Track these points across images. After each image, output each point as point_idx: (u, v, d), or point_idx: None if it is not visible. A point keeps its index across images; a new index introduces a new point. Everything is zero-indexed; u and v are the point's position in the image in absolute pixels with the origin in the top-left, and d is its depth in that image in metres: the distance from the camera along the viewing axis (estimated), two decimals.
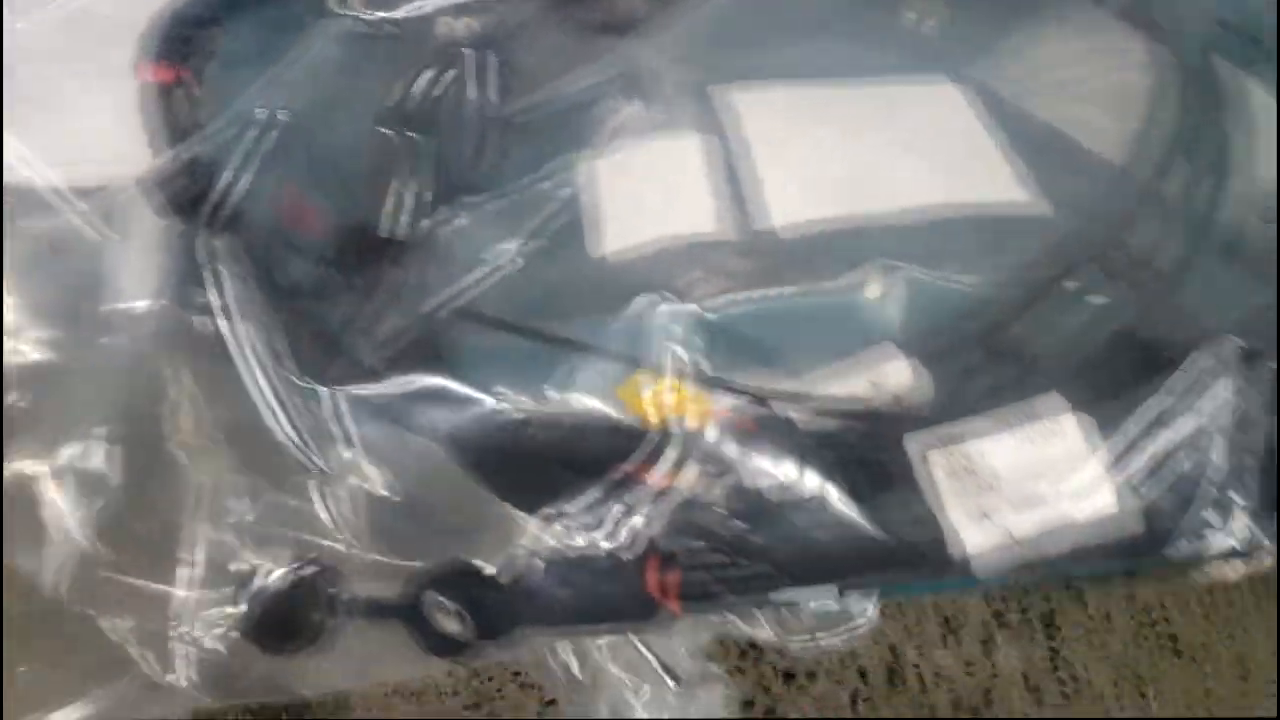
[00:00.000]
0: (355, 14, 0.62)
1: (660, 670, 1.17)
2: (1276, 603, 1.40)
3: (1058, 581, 0.46)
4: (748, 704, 1.47)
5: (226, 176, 0.54)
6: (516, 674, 1.51)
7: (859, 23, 0.65)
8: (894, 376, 0.49)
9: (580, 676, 1.30)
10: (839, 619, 1.26)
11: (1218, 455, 0.44)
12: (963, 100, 0.60)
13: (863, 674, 1.47)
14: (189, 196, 0.53)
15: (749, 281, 0.55)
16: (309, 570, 0.50)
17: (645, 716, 1.14)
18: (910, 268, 0.53)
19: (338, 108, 0.59)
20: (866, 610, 1.27)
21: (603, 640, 1.26)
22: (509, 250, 0.53)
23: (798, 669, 1.48)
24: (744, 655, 1.47)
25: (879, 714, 1.44)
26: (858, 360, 0.50)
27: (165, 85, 0.56)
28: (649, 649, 1.18)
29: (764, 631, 1.34)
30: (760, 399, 0.49)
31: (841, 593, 1.20)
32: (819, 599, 1.21)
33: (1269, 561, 0.44)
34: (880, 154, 0.58)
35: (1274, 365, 0.45)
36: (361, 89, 0.61)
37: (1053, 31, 0.63)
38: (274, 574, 0.50)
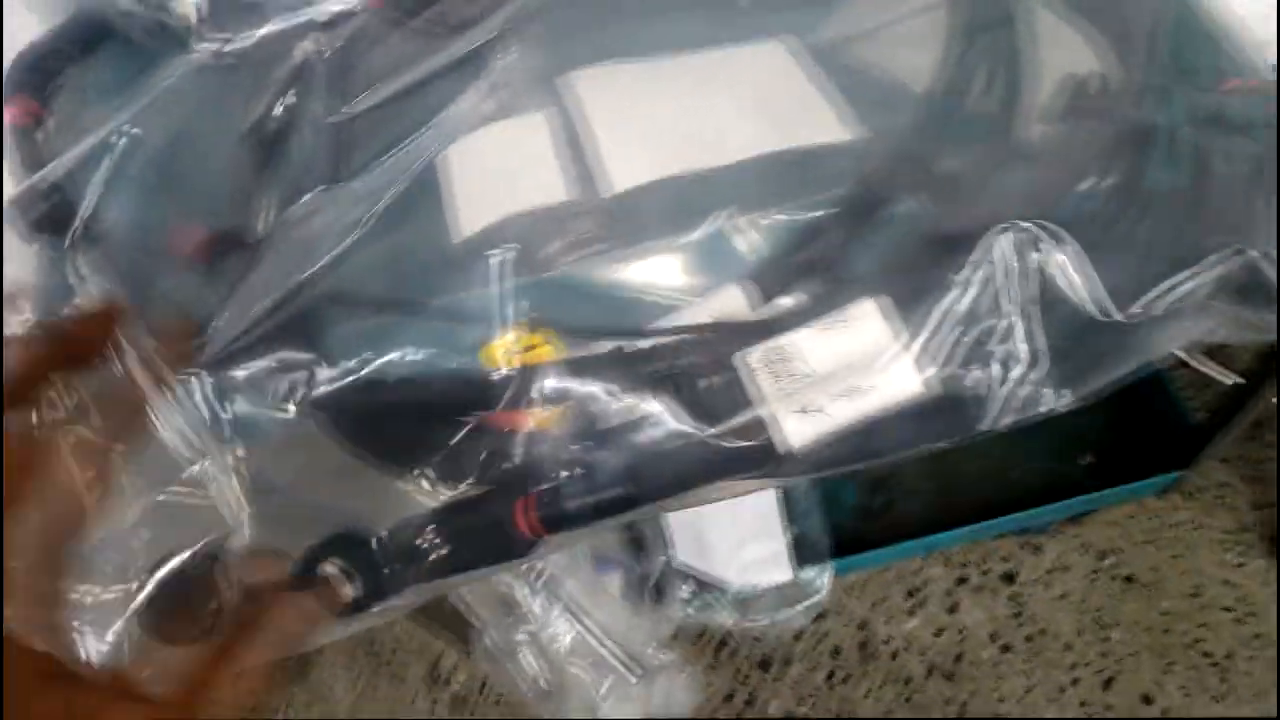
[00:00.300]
0: (212, 46, 0.66)
1: (621, 665, 1.19)
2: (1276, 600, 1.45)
3: (883, 466, 0.49)
4: (728, 698, 1.50)
5: (88, 199, 0.57)
6: (497, 701, 1.52)
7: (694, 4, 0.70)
8: (731, 306, 0.53)
9: (548, 686, 1.32)
10: (795, 595, 1.29)
11: (1016, 331, 0.48)
12: (786, 56, 0.65)
13: (836, 652, 1.50)
14: (52, 220, 0.56)
15: (601, 243, 0.59)
16: (200, 559, 0.52)
17: (611, 716, 1.16)
18: (745, 212, 0.57)
19: (199, 132, 0.63)
20: (821, 583, 1.30)
21: (565, 643, 1.28)
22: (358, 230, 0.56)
23: (773, 657, 1.51)
24: (719, 650, 1.50)
25: (856, 690, 1.47)
26: (700, 301, 0.54)
27: (26, 118, 0.59)
28: (608, 645, 1.20)
29: (726, 617, 1.36)
30: (604, 335, 0.52)
31: (798, 566, 1.23)
32: (774, 576, 1.24)
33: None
34: (712, 115, 0.63)
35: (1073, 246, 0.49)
36: (222, 113, 0.64)
37: None
38: (166, 567, 0.52)
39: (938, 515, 1.35)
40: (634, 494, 0.48)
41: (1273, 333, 0.50)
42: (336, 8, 0.68)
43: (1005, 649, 1.50)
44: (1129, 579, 1.51)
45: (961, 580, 1.52)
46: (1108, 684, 1.45)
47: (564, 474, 0.49)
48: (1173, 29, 0.58)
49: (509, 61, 0.67)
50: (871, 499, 1.37)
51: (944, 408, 0.48)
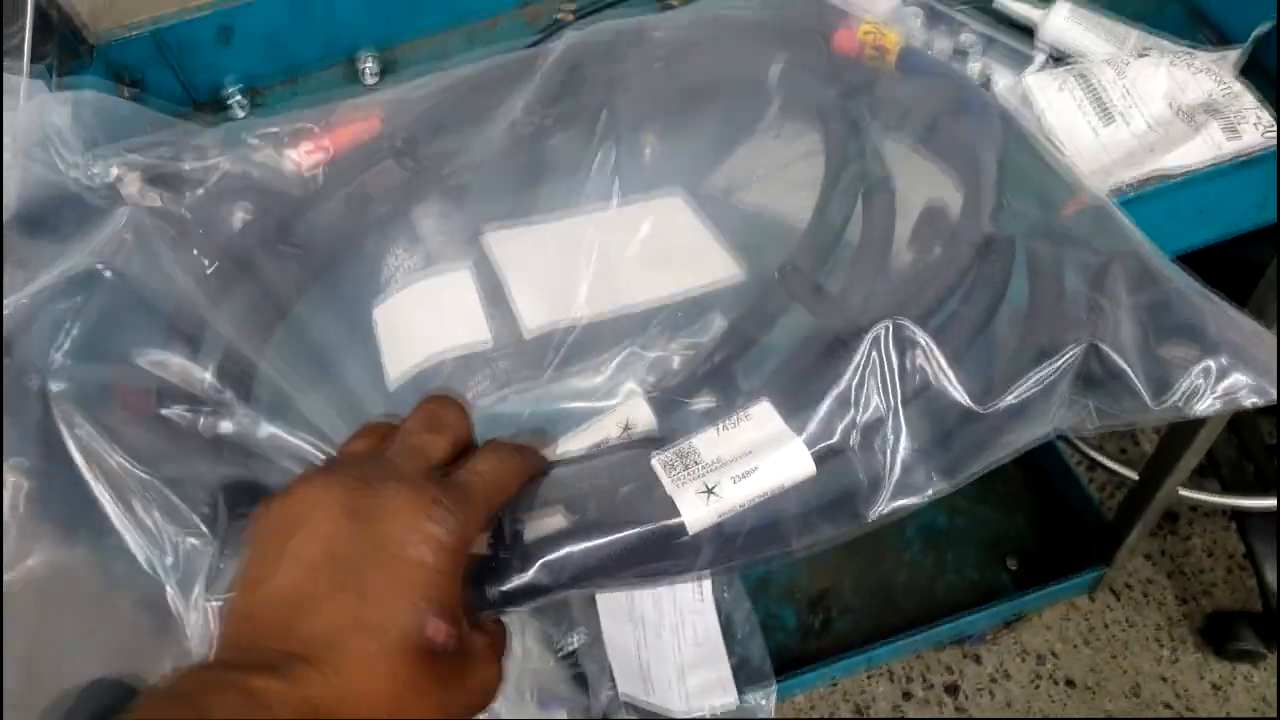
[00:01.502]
0: (149, 204, 0.72)
1: None
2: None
3: (784, 555, 0.54)
4: None
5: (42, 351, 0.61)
6: None
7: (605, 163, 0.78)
8: (636, 415, 0.59)
9: None
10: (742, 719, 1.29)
11: (897, 424, 0.54)
12: (683, 206, 0.72)
13: None
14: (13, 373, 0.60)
15: (520, 380, 0.65)
16: None
17: None
18: (646, 348, 0.64)
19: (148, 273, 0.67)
20: (767, 705, 1.31)
21: None
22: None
23: None
24: None
25: None
26: (609, 414, 0.60)
27: None
28: None
29: None
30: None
31: (742, 690, 1.25)
32: (719, 701, 1.25)
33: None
34: (616, 263, 0.69)
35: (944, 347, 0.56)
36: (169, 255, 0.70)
37: (748, 141, 0.76)
38: None
39: (875, 629, 1.39)
40: (547, 583, 0.52)
41: (1128, 417, 0.56)
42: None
43: None
44: (1070, 682, 1.55)
45: (907, 695, 1.55)
46: None
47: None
48: (1011, 163, 0.66)
49: (433, 222, 0.75)
50: (810, 617, 1.41)
51: (834, 495, 0.54)
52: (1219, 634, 1.52)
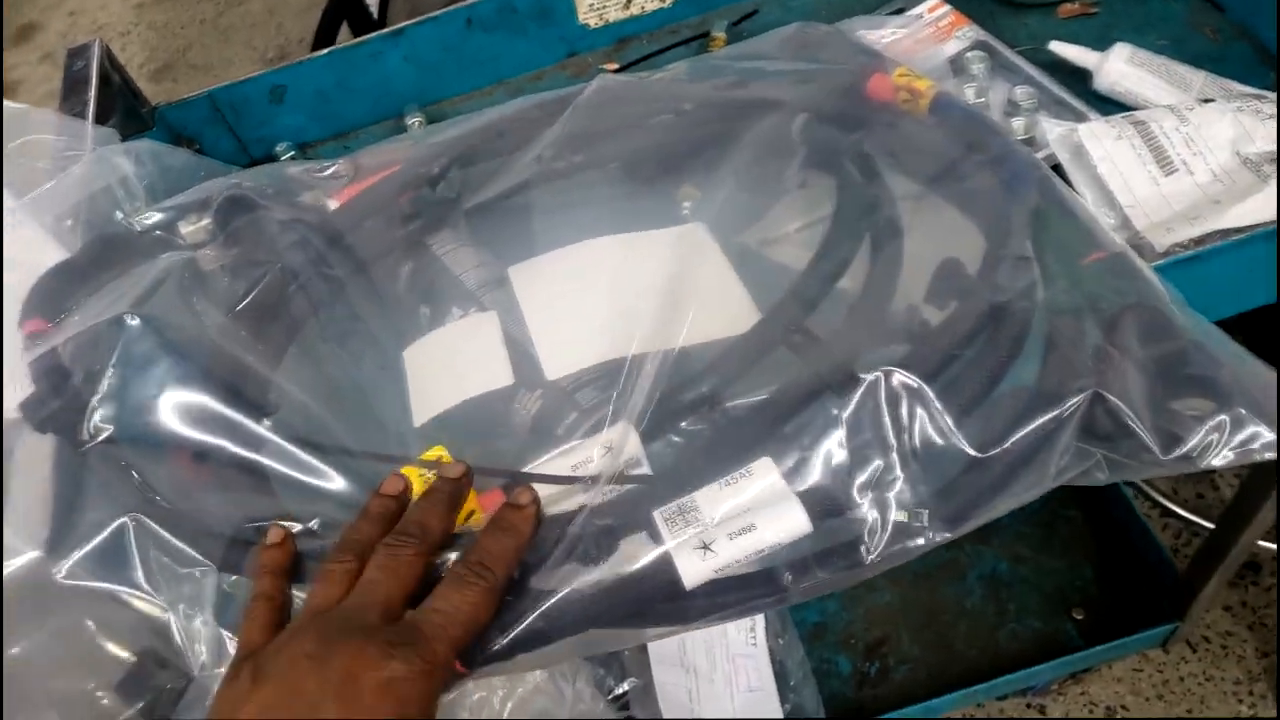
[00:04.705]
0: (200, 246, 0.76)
1: None
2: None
3: (781, 601, 0.54)
4: None
5: (91, 391, 0.64)
6: None
7: (638, 212, 0.80)
8: (620, 438, 0.59)
9: None
10: None
11: (896, 474, 0.54)
12: (706, 236, 0.73)
13: None
14: (63, 415, 0.64)
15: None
16: None
17: None
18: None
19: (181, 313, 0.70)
20: None
21: None
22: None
23: None
24: None
25: None
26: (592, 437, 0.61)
27: (39, 334, 0.68)
28: None
29: None
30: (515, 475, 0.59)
31: None
32: None
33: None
34: (639, 301, 0.69)
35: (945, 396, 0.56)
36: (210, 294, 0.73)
37: (773, 192, 0.76)
38: None
39: (933, 679, 1.36)
40: (546, 630, 0.53)
41: (1139, 469, 0.55)
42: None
43: None
44: None
45: None
46: None
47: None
48: (1038, 216, 0.65)
49: (461, 259, 0.77)
50: (866, 665, 1.38)
51: (832, 543, 0.53)
52: None
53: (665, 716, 1.23)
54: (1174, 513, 1.50)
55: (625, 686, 1.23)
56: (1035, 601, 1.40)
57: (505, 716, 1.00)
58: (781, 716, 1.26)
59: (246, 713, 0.48)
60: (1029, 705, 1.51)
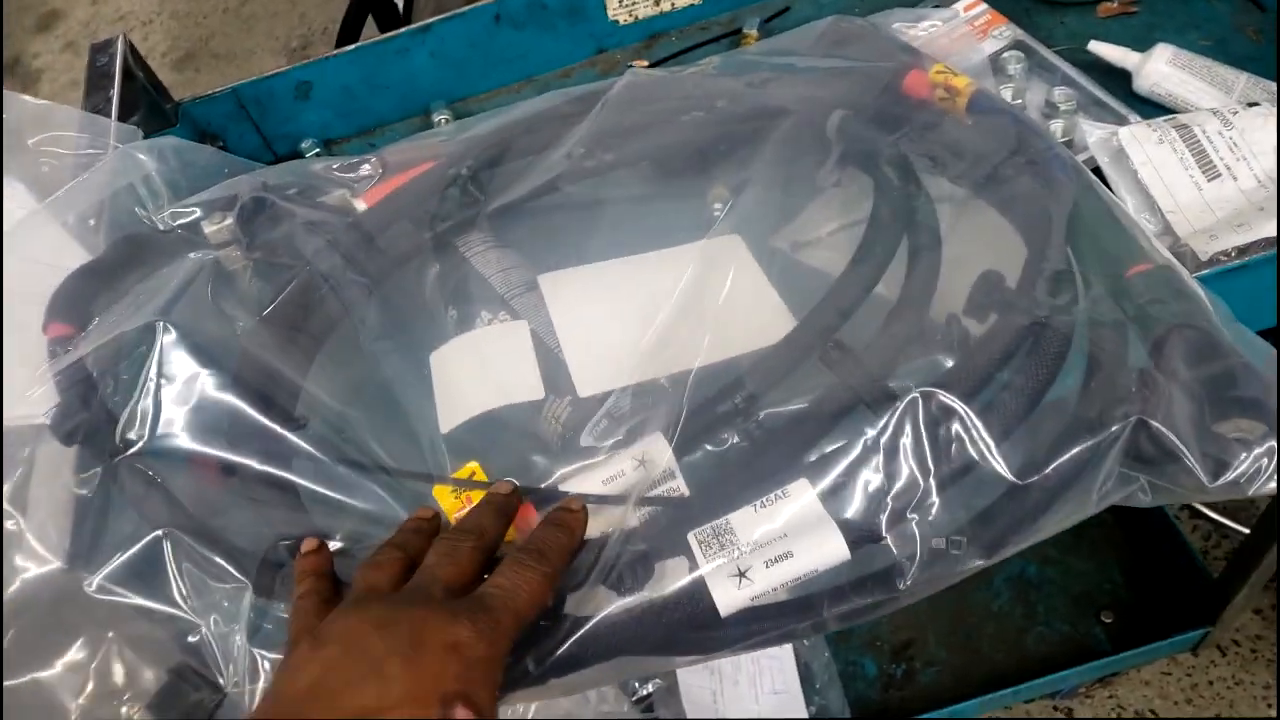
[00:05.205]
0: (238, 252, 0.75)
1: None
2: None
3: (817, 629, 0.53)
4: None
5: (120, 402, 0.63)
6: None
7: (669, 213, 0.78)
8: (652, 451, 0.58)
9: None
10: None
11: (933, 499, 0.52)
12: (741, 247, 0.72)
13: None
14: (91, 427, 0.63)
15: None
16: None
17: None
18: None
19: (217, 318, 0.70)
20: None
21: None
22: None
23: None
24: None
25: None
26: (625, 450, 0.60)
27: (63, 339, 0.67)
28: None
29: None
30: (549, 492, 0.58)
31: None
32: None
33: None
34: (673, 316, 0.67)
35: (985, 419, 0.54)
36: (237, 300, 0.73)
37: (808, 190, 0.75)
38: None
39: (959, 681, 1.34)
40: (582, 655, 0.52)
41: (1186, 495, 0.53)
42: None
43: None
44: None
45: None
46: None
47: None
48: (1080, 222, 0.63)
49: (490, 263, 0.76)
50: (892, 667, 1.37)
51: (869, 570, 0.52)
52: None
53: (690, 718, 1.22)
54: (1204, 514, 1.48)
55: (650, 688, 1.22)
56: (1063, 604, 1.38)
57: (530, 717, 0.99)
58: (807, 719, 1.25)
59: (309, 672, 0.47)
60: (1056, 708, 1.49)
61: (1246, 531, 1.25)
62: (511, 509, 0.58)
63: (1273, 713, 1.47)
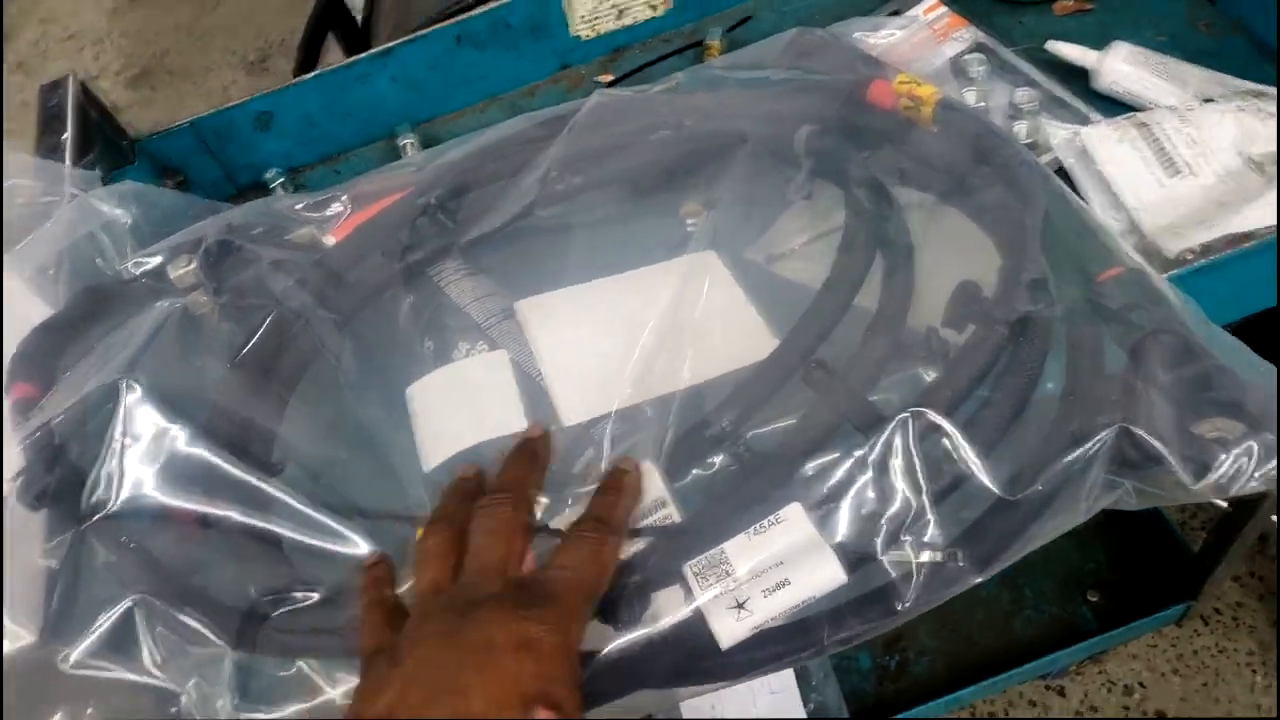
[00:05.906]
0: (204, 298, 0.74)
1: None
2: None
3: (818, 654, 0.53)
4: None
5: (87, 464, 0.61)
6: None
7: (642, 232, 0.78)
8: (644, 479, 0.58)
9: None
10: None
11: (926, 518, 0.53)
12: (717, 263, 0.72)
13: None
14: (58, 492, 0.61)
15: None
16: None
17: None
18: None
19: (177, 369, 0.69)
20: None
21: None
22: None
23: None
24: None
25: None
26: None
27: (26, 400, 0.65)
28: None
29: None
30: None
31: None
32: None
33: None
34: (654, 339, 0.67)
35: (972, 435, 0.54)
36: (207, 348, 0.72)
37: (779, 204, 0.75)
38: None
39: (952, 669, 1.36)
40: (590, 693, 0.52)
41: (1170, 497, 0.54)
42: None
43: None
44: (1160, 714, 1.49)
45: None
46: None
47: None
48: (1050, 228, 0.64)
49: (466, 293, 0.75)
50: (885, 660, 1.38)
51: (866, 592, 0.52)
52: None
53: (687, 718, 1.22)
54: None
55: None
56: (1050, 587, 1.40)
57: None
58: (805, 717, 1.26)
59: (387, 697, 0.47)
60: (1048, 688, 1.51)
61: (1224, 504, 1.26)
62: (545, 452, 0.59)
63: (1257, 677, 1.49)
